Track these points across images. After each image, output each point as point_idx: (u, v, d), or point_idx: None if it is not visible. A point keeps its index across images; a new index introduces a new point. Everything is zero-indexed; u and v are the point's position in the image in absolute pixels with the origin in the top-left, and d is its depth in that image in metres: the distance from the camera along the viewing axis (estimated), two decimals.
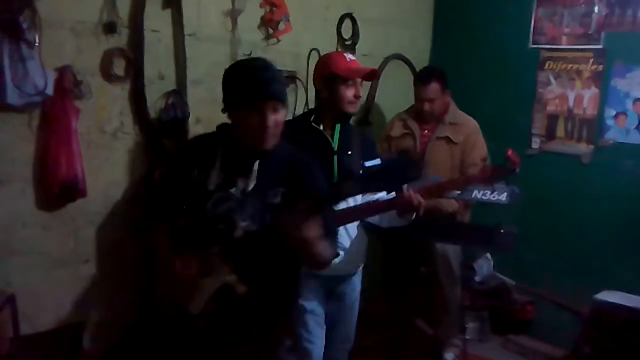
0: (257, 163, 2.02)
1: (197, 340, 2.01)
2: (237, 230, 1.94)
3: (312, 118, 2.58)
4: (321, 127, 2.56)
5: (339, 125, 2.59)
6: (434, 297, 3.55)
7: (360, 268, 2.75)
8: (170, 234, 2.07)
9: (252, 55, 3.14)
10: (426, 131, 3.54)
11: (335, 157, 2.55)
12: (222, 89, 2.04)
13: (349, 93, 2.50)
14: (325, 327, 2.64)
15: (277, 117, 1.97)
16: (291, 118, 2.87)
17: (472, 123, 3.55)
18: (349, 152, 2.57)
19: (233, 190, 1.99)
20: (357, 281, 2.76)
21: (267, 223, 1.97)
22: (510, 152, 2.33)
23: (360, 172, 2.57)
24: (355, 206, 2.54)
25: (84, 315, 2.76)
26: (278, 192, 2.01)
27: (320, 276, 2.59)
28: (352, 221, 2.58)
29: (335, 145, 2.57)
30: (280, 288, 2.12)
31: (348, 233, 2.62)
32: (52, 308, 2.69)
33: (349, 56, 2.58)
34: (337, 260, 2.55)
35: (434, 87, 3.46)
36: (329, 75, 2.52)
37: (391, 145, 3.57)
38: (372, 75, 2.69)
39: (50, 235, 2.66)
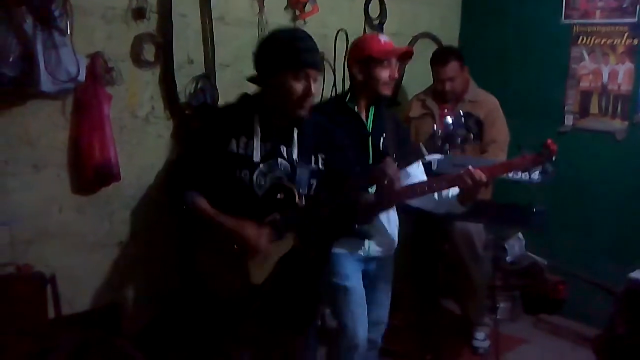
0: (296, 130, 2.04)
1: (253, 314, 2.03)
2: (298, 197, 1.97)
3: (347, 99, 2.60)
4: (356, 109, 2.57)
5: (373, 108, 2.60)
6: (460, 276, 3.54)
7: (393, 250, 2.76)
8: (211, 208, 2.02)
9: None
10: (445, 110, 3.51)
11: (370, 139, 2.56)
12: (260, 56, 2.06)
13: (384, 74, 2.52)
14: (366, 306, 2.66)
15: (316, 86, 2.03)
16: (323, 100, 2.88)
17: (491, 100, 3.52)
18: (384, 135, 2.57)
19: (279, 159, 2.02)
20: (390, 264, 2.77)
21: (314, 188, 2.04)
22: (549, 141, 2.34)
23: (395, 155, 2.56)
24: (420, 182, 2.48)
25: (120, 296, 2.83)
26: (319, 158, 2.08)
27: (358, 258, 2.60)
28: (417, 196, 2.48)
29: (369, 127, 2.58)
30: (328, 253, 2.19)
31: (387, 215, 2.63)
32: (88, 289, 2.76)
33: (383, 38, 2.60)
34: (375, 241, 2.59)
35: (453, 66, 3.43)
36: (364, 59, 2.53)
37: (411, 126, 3.54)
38: (407, 55, 2.68)
39: (86, 218, 2.72)
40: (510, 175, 2.79)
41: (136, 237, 2.86)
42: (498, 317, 3.47)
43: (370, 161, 2.53)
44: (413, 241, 3.62)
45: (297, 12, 3.30)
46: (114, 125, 2.67)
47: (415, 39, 3.97)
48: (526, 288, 3.94)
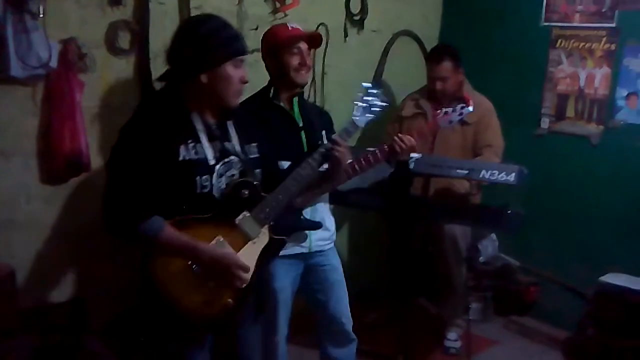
0: (230, 124, 2.02)
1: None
2: (260, 190, 1.96)
3: (270, 95, 2.52)
4: (282, 104, 2.52)
5: (296, 100, 2.55)
6: (440, 277, 3.54)
7: (333, 244, 2.71)
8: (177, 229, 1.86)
9: (258, 29, 3.11)
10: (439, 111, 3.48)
11: (303, 133, 2.52)
12: (187, 50, 1.91)
13: (294, 61, 2.46)
14: (290, 305, 2.60)
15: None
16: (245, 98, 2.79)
17: (486, 103, 3.48)
18: (313, 127, 2.55)
19: (231, 156, 1.98)
20: (335, 255, 2.71)
21: (261, 177, 2.04)
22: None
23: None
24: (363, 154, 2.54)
25: (87, 290, 2.77)
26: (253, 147, 2.07)
27: (294, 263, 2.56)
28: (363, 169, 2.56)
29: (299, 122, 2.53)
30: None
31: (323, 209, 2.61)
32: (55, 282, 2.70)
33: (292, 25, 2.55)
34: (315, 236, 2.55)
35: (446, 66, 3.39)
36: (272, 47, 2.49)
37: (402, 126, 3.50)
38: (314, 39, 2.58)
39: (54, 209, 2.66)
40: (486, 176, 2.80)
41: (105, 230, 2.78)
42: (470, 317, 3.48)
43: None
44: (389, 241, 3.62)
45: (277, 4, 3.25)
46: (85, 114, 2.61)
47: (395, 37, 3.95)
48: (498, 289, 3.96)
